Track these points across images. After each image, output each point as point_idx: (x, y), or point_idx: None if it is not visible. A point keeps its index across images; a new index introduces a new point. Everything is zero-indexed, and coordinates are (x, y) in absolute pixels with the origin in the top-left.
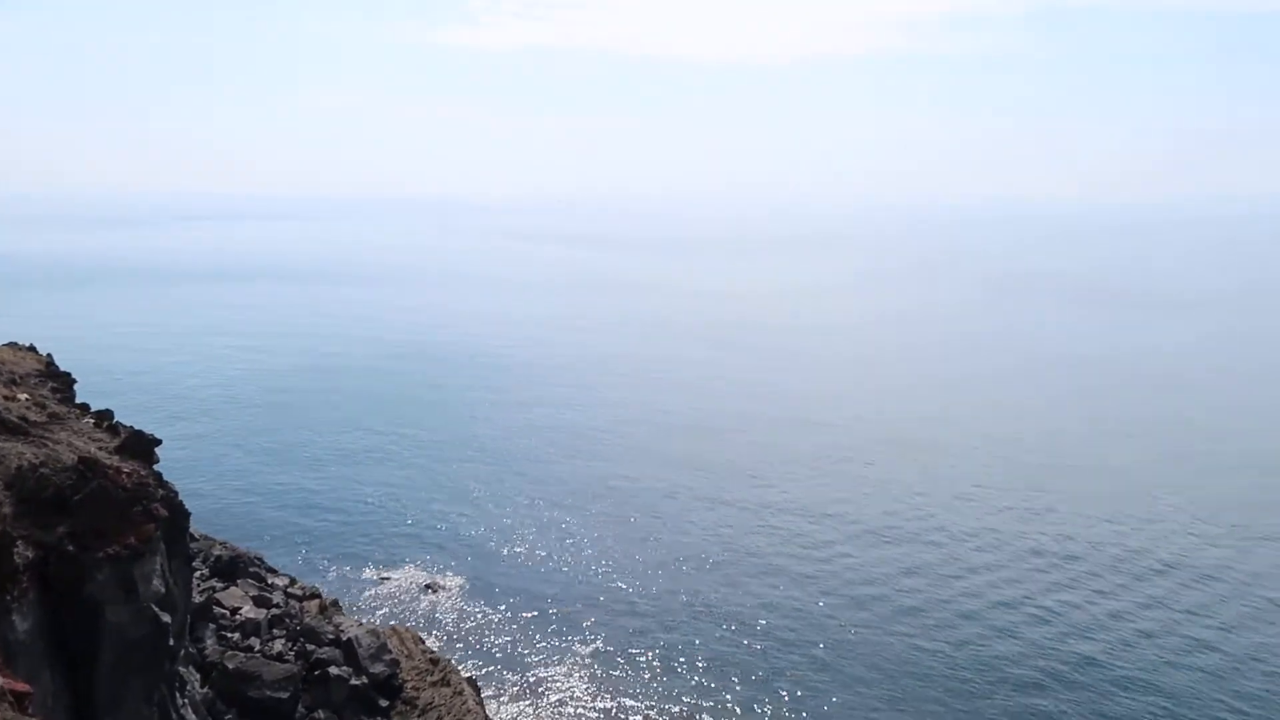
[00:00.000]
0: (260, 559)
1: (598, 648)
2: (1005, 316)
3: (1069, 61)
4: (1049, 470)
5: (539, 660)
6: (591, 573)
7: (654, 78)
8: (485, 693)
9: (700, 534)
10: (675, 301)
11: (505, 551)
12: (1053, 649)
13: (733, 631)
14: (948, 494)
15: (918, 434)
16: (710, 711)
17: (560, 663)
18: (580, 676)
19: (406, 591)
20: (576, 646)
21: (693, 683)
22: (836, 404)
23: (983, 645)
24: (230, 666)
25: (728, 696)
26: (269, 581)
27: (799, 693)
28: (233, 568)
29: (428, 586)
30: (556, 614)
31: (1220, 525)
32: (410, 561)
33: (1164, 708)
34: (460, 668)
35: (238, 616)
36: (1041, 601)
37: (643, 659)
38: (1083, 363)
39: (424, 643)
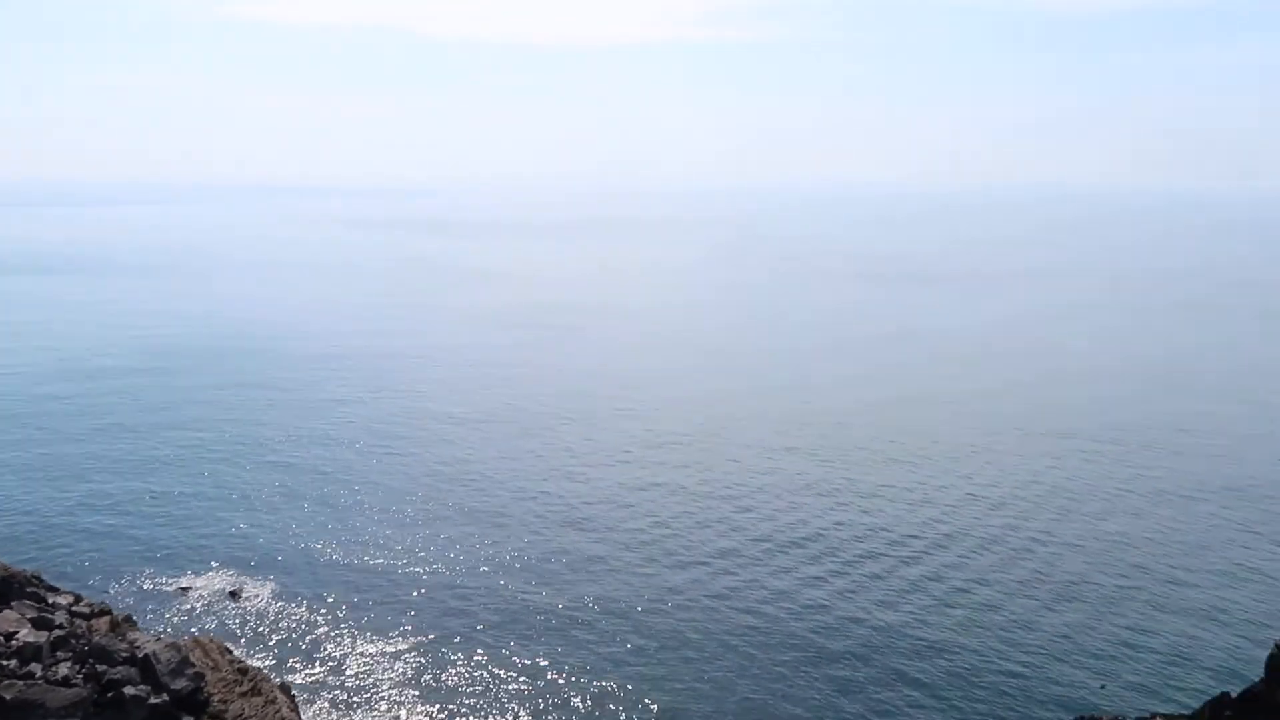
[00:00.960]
0: (38, 577)
1: (418, 643)
2: (814, 295)
3: (886, 49)
4: (851, 445)
5: (356, 661)
6: (405, 570)
7: (470, 59)
8: (300, 698)
9: (517, 526)
10: (504, 287)
11: (313, 553)
12: (860, 618)
13: (553, 622)
14: (755, 473)
15: (725, 413)
16: (532, 703)
17: (379, 662)
18: (401, 674)
19: (209, 601)
20: (396, 644)
21: (516, 676)
22: (654, 386)
23: (799, 620)
24: (7, 698)
25: (550, 685)
26: (50, 601)
27: (622, 681)
28: (4, 590)
29: (232, 594)
30: (372, 613)
31: (1003, 494)
32: (211, 569)
33: (955, 670)
34: (272, 675)
35: (14, 642)
36: (850, 574)
37: (463, 653)
38: (887, 339)
39: (231, 652)
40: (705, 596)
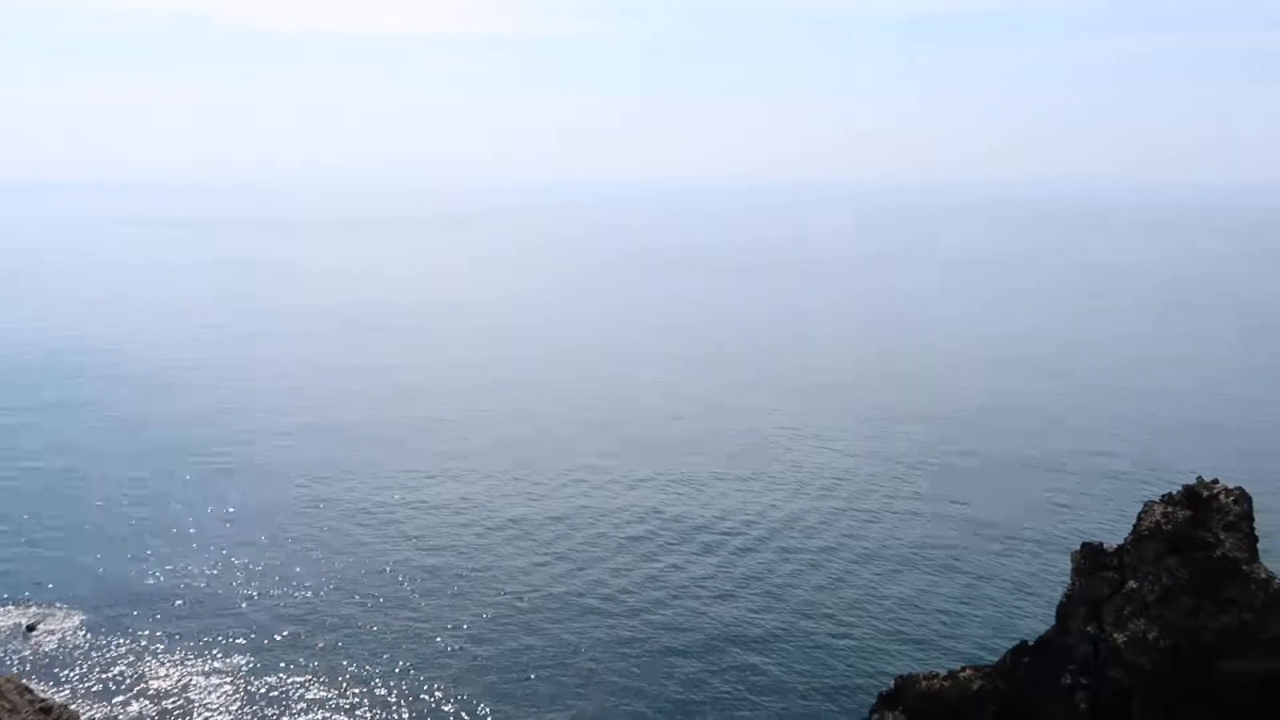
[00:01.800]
0: None
1: (238, 663)
2: (637, 288)
3: (699, 48)
4: (675, 437)
5: (172, 687)
6: (220, 588)
7: (250, 47)
8: None
9: (338, 540)
10: (303, 287)
11: (117, 577)
12: (700, 610)
13: (387, 637)
14: (583, 472)
15: (539, 416)
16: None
17: (196, 684)
18: (221, 696)
19: (3, 637)
20: (215, 664)
21: (338, 694)
22: (464, 391)
23: (638, 618)
24: None
25: (378, 700)
26: None
27: (450, 689)
28: None
29: (30, 628)
30: (188, 635)
31: (819, 487)
32: (2, 604)
33: (785, 651)
34: (81, 712)
35: None
36: (690, 568)
37: (288, 669)
38: (712, 325)
39: (31, 691)
40: (548, 599)
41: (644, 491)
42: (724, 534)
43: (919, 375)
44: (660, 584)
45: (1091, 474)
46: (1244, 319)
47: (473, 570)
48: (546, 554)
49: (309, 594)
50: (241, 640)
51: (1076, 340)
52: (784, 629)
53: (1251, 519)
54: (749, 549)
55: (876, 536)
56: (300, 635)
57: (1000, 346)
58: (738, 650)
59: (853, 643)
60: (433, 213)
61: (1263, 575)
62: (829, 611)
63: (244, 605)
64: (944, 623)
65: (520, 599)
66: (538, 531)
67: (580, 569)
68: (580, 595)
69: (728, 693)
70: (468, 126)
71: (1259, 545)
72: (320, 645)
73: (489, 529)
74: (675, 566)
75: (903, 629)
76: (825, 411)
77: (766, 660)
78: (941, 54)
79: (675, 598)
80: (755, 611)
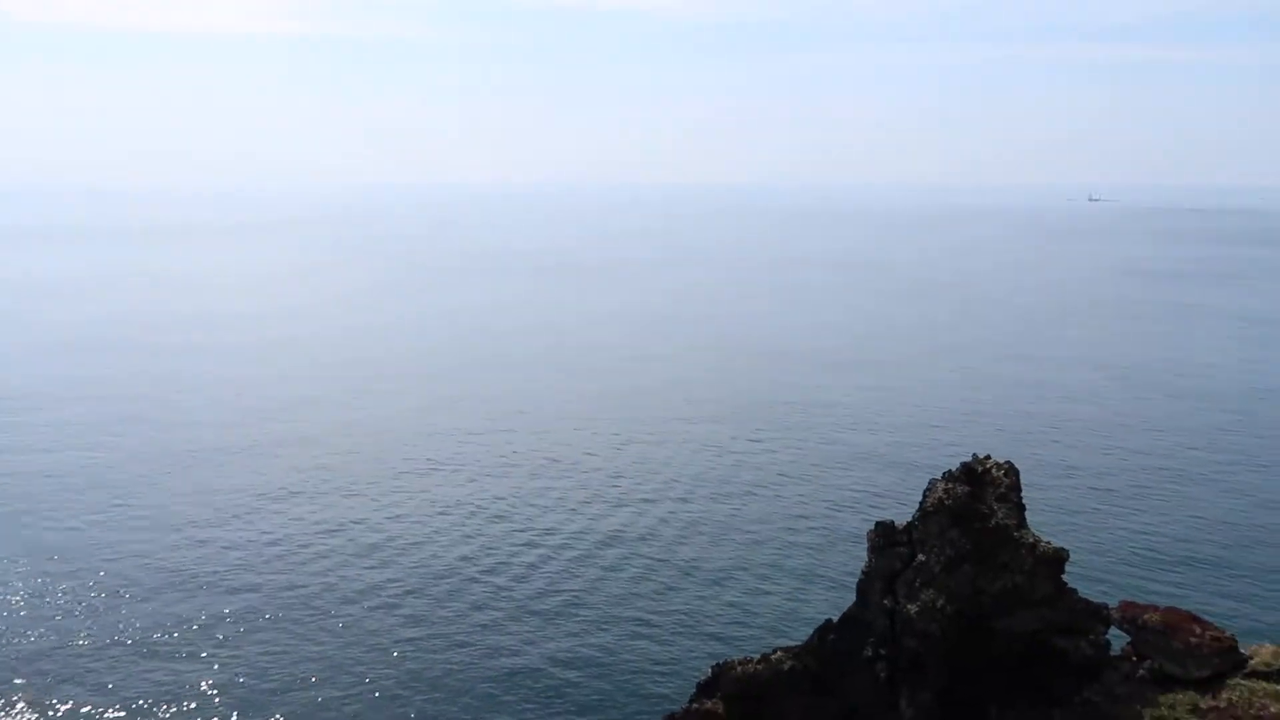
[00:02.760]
0: None
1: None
2: (441, 295)
3: (523, 52)
4: (487, 453)
5: None
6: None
7: (45, 44)
8: None
9: (136, 560)
10: (126, 298)
11: None
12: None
13: (170, 655)
14: (396, 494)
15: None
16: None
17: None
18: None
19: None
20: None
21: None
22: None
23: (451, 651)
24: None
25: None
26: None
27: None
28: None
29: None
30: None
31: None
32: None
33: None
34: None
35: None
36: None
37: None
38: (515, 332)
39: None
40: (351, 631)
41: (452, 516)
42: (515, 553)
43: (714, 374)
44: (477, 607)
45: (897, 462)
46: (1012, 309)
47: (282, 607)
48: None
49: (101, 625)
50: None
51: (868, 334)
52: (608, 643)
53: (1019, 490)
54: (549, 562)
55: (697, 543)
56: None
57: (793, 342)
58: (555, 669)
59: (675, 647)
60: (226, 219)
61: (1030, 540)
62: (652, 618)
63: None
64: (756, 612)
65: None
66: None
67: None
68: (400, 625)
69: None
70: (271, 130)
71: (1026, 513)
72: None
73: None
74: (498, 588)
75: (718, 625)
76: (633, 416)
77: (582, 674)
78: (751, 60)
79: (494, 622)
80: (579, 626)
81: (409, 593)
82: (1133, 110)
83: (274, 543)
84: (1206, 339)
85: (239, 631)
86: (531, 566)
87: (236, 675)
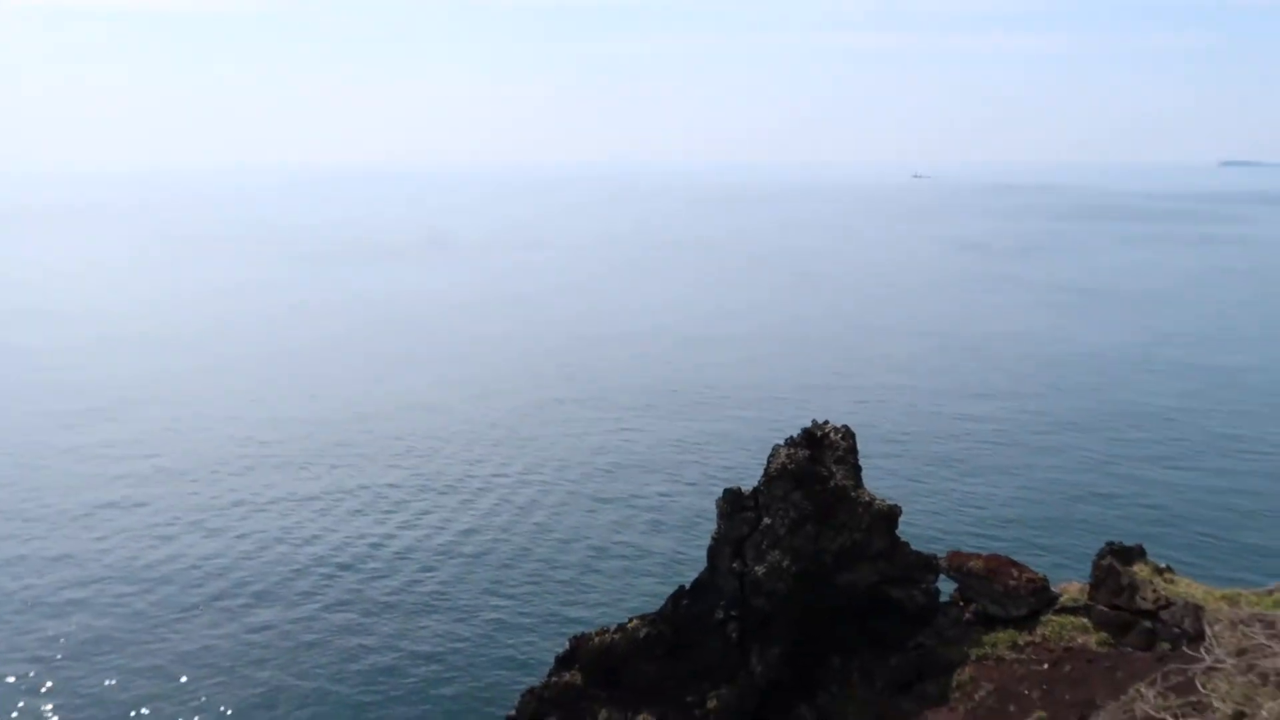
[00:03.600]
0: None
1: None
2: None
3: (372, 26)
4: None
5: None
6: None
7: None
8: None
9: None
10: None
11: None
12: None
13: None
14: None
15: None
16: None
17: None
18: None
19: None
20: None
21: None
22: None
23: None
24: None
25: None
26: None
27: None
28: None
29: None
30: None
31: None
32: None
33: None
34: None
35: None
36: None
37: None
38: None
39: None
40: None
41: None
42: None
43: (559, 356)
44: (332, 607)
45: (742, 434)
46: (844, 283)
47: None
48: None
49: None
50: None
51: (706, 312)
52: (470, 633)
53: (856, 452)
54: (400, 562)
55: (554, 526)
56: None
57: (630, 321)
58: (417, 665)
59: (535, 618)
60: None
61: (866, 499)
62: (508, 593)
63: None
64: (615, 590)
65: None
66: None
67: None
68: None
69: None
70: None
71: (862, 474)
72: None
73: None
74: (353, 586)
75: (578, 600)
76: (481, 402)
77: (444, 667)
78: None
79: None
80: (439, 619)
81: (258, 596)
82: (958, 93)
83: (104, 552)
84: (1018, 308)
85: (67, 652)
86: (388, 562)
87: (64, 703)
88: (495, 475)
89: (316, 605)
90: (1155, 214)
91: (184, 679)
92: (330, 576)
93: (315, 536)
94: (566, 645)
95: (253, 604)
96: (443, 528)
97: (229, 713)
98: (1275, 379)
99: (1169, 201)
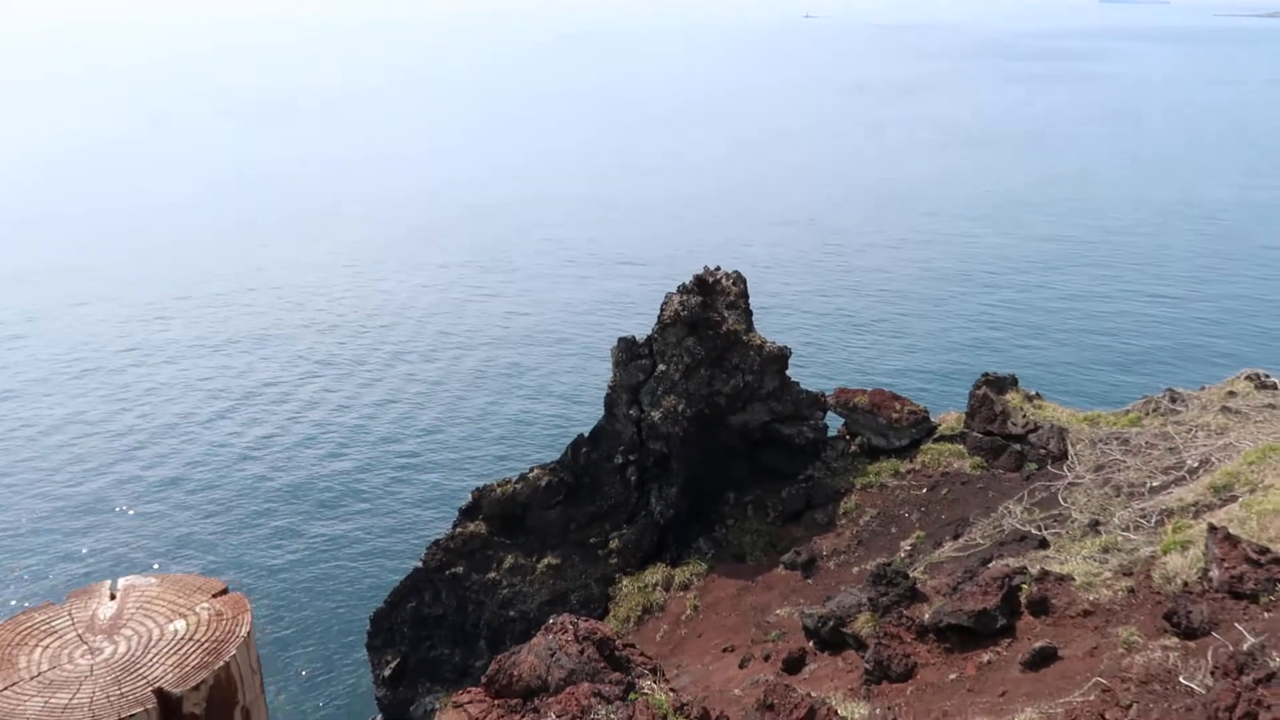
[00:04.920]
0: None
1: None
2: None
3: None
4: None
5: None
6: None
7: None
8: None
9: None
10: None
11: None
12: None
13: None
14: None
15: None
16: None
17: None
18: None
19: None
20: None
21: None
22: None
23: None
24: None
25: None
26: None
27: None
28: None
29: None
30: None
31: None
32: None
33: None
34: None
35: None
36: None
37: None
38: None
39: None
40: None
41: None
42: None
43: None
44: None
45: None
46: (727, 127)
47: None
48: None
49: None
50: None
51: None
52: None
53: (747, 296)
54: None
55: (448, 389)
56: None
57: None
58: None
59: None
60: None
61: (758, 342)
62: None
63: None
64: (516, 442)
65: None
66: None
67: None
68: None
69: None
70: None
71: (753, 318)
72: None
73: None
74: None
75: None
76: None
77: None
78: None
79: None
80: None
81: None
82: None
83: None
84: (903, 151)
85: None
86: (292, 446)
87: None
88: (389, 352)
89: (222, 491)
90: (1036, 53)
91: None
92: (233, 463)
93: (211, 422)
94: (469, 497)
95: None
96: (346, 407)
97: None
98: (1145, 223)
99: (1050, 40)
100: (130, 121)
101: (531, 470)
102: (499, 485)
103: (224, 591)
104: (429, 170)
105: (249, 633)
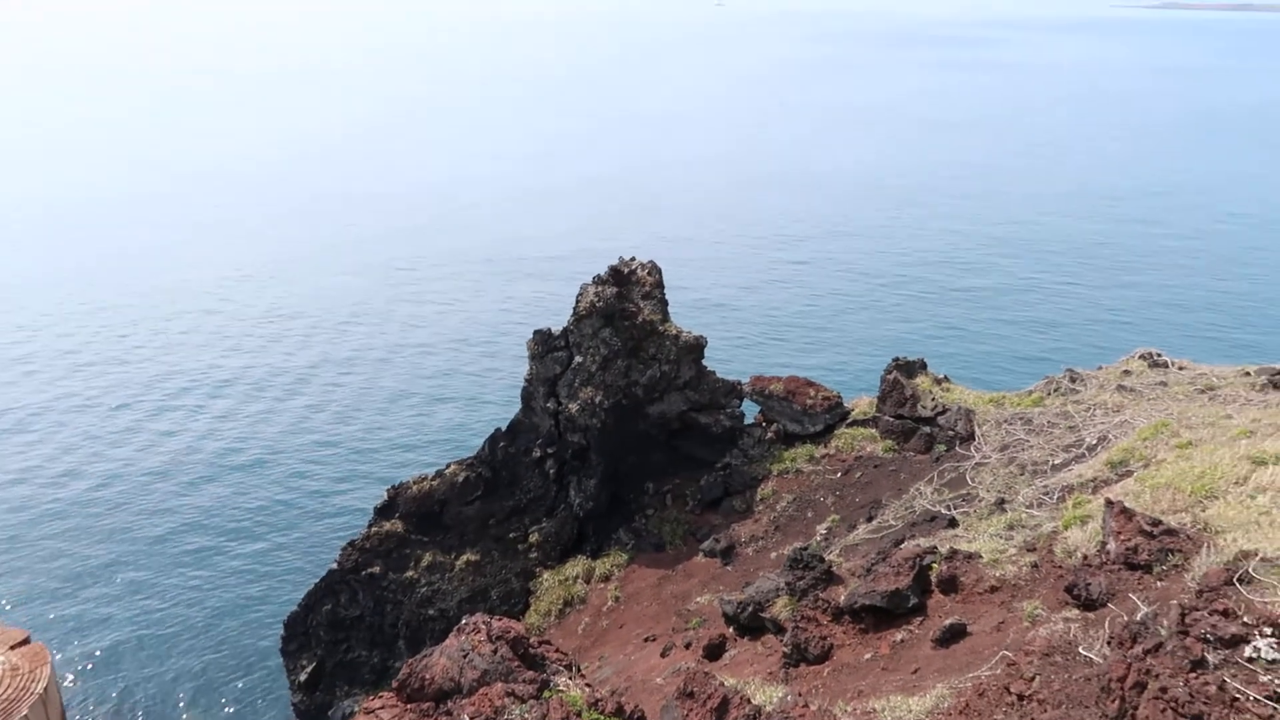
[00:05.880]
0: None
1: None
2: None
3: None
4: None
5: None
6: None
7: None
8: None
9: None
10: None
11: None
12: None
13: None
14: None
15: None
16: None
17: None
18: None
19: None
20: None
21: None
22: None
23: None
24: None
25: None
26: None
27: None
28: None
29: None
30: None
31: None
32: None
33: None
34: None
35: None
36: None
37: None
38: None
39: None
40: None
41: None
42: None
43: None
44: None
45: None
46: (643, 118)
47: None
48: None
49: None
50: None
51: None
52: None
53: (662, 286)
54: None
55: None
56: None
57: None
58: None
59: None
60: None
61: (674, 332)
62: (319, 471)
63: None
64: (428, 437)
65: None
66: None
67: None
68: None
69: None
70: None
71: (669, 308)
72: None
73: None
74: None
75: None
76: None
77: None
78: None
79: None
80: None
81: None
82: None
83: None
84: (820, 137)
85: None
86: (213, 458)
87: None
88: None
89: (120, 509)
90: (942, 40)
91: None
92: (148, 477)
93: (125, 436)
94: (385, 495)
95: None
96: (261, 417)
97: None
98: (1046, 212)
99: (956, 29)
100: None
101: (448, 466)
102: (415, 482)
103: (25, 642)
104: (323, 174)
105: (47, 687)
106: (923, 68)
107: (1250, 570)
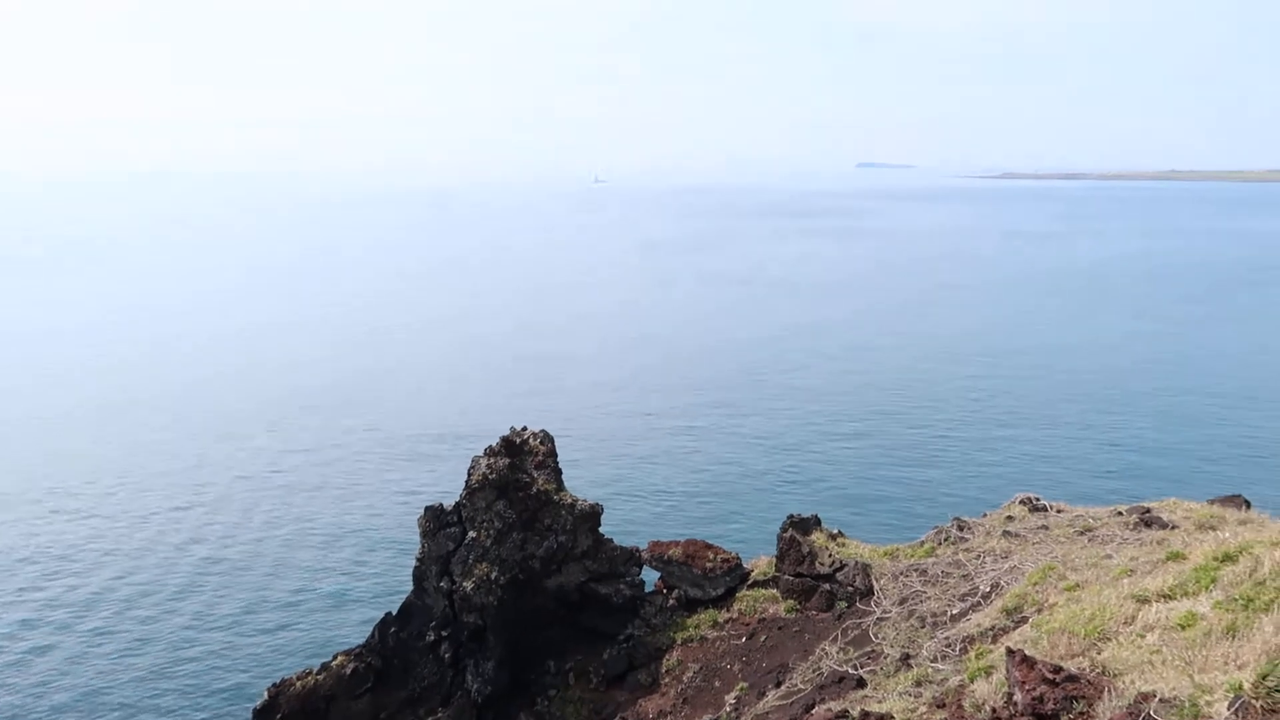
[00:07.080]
0: None
1: None
2: None
3: None
4: None
5: None
6: None
7: None
8: None
9: None
10: None
11: None
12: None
13: None
14: None
15: None
16: None
17: None
18: None
19: None
20: None
21: None
22: None
23: None
24: None
25: None
26: None
27: None
28: None
29: None
30: None
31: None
32: None
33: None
34: None
35: None
36: None
37: None
38: None
39: None
40: None
41: None
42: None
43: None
44: None
45: (440, 451)
46: (525, 286)
47: None
48: None
49: None
50: None
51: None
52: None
53: (555, 455)
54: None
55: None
56: None
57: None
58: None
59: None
60: None
61: (569, 501)
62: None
63: None
64: (312, 628)
65: None
66: None
67: None
68: None
69: None
70: None
71: (563, 477)
72: None
73: None
74: None
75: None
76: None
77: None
78: None
79: None
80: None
81: None
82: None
83: None
84: (689, 302)
85: None
86: (84, 604)
87: None
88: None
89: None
90: (806, 211)
91: None
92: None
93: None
94: (265, 695)
95: None
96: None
97: None
98: (918, 363)
99: (817, 200)
100: None
101: (335, 657)
102: (299, 678)
103: None
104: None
105: None
106: (790, 235)
107: (1151, 713)
